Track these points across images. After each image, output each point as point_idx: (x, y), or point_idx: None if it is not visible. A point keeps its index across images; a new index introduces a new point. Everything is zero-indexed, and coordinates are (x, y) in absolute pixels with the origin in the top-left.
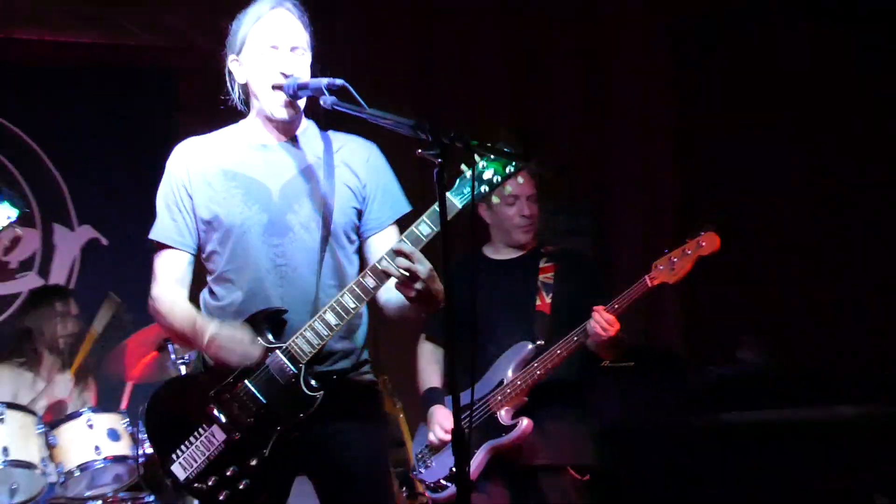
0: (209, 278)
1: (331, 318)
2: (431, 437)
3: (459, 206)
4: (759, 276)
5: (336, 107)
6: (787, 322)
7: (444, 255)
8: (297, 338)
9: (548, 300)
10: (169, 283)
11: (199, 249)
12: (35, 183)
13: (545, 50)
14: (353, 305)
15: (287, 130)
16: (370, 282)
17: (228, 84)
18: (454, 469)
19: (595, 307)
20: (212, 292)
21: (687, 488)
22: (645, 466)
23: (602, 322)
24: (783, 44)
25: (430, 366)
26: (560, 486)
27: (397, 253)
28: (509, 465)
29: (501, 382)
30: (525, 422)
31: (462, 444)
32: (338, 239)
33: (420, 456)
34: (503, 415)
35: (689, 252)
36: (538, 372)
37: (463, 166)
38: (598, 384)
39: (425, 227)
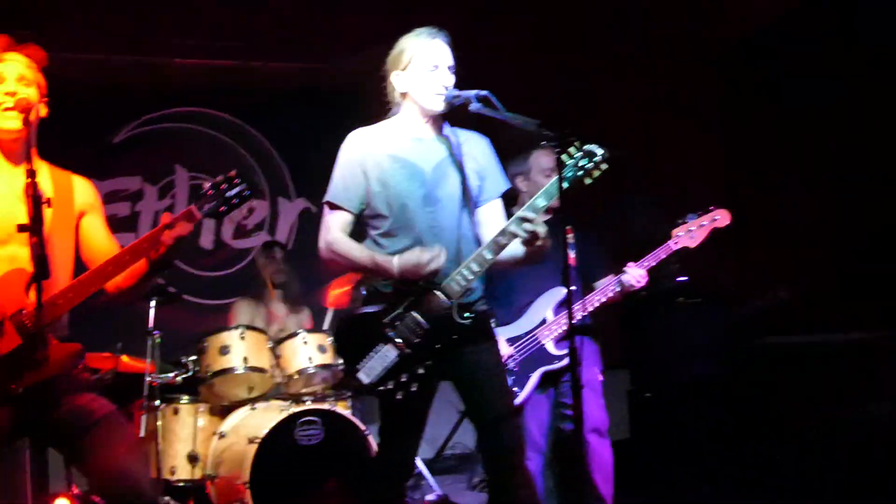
0: (374, 233)
1: (474, 266)
2: None
3: (555, 192)
4: (792, 232)
5: (481, 112)
6: (811, 266)
7: (563, 222)
8: (450, 280)
9: (572, 255)
10: (339, 233)
11: (362, 212)
12: (264, 167)
13: (619, 65)
14: (489, 257)
15: (437, 127)
16: (502, 240)
17: (389, 91)
18: (514, 388)
19: (628, 263)
20: (377, 243)
21: (733, 396)
22: (703, 375)
23: (635, 276)
24: (816, 61)
25: None
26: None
27: (523, 219)
28: (550, 383)
29: (544, 321)
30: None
31: (577, 385)
32: (468, 208)
33: None
34: (551, 346)
35: (704, 223)
36: (579, 314)
37: (563, 156)
38: (671, 314)
39: (541, 200)
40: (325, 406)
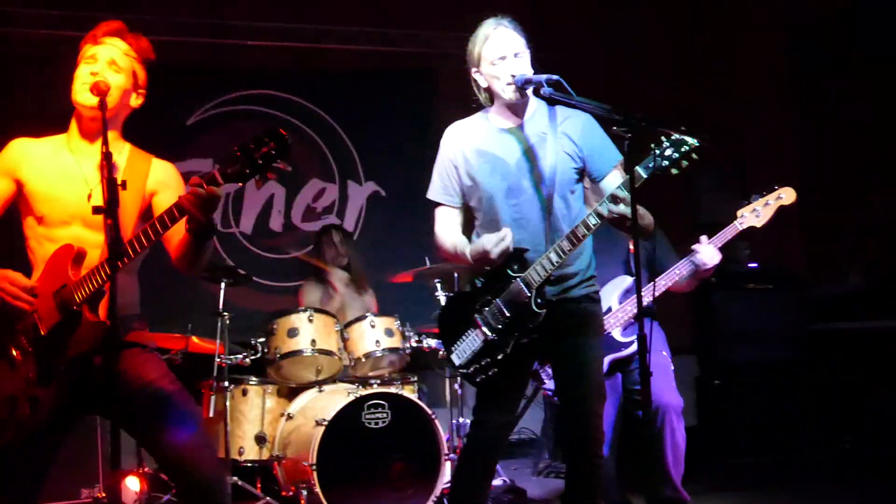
0: (476, 225)
1: (553, 256)
2: None
3: (645, 176)
4: (864, 215)
5: (552, 96)
6: (883, 251)
7: (633, 210)
8: (531, 270)
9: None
10: (443, 229)
11: (465, 206)
12: (335, 151)
13: (698, 53)
14: (567, 247)
15: (521, 114)
16: (580, 231)
17: (475, 89)
18: None
19: (700, 240)
20: (478, 235)
21: (803, 382)
22: (773, 360)
23: (708, 254)
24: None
25: None
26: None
27: (614, 199)
28: (617, 369)
29: (609, 309)
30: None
31: (645, 371)
32: (558, 195)
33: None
34: (617, 333)
35: (770, 202)
36: (647, 300)
37: (652, 145)
38: (741, 299)
39: (621, 191)
40: (392, 389)
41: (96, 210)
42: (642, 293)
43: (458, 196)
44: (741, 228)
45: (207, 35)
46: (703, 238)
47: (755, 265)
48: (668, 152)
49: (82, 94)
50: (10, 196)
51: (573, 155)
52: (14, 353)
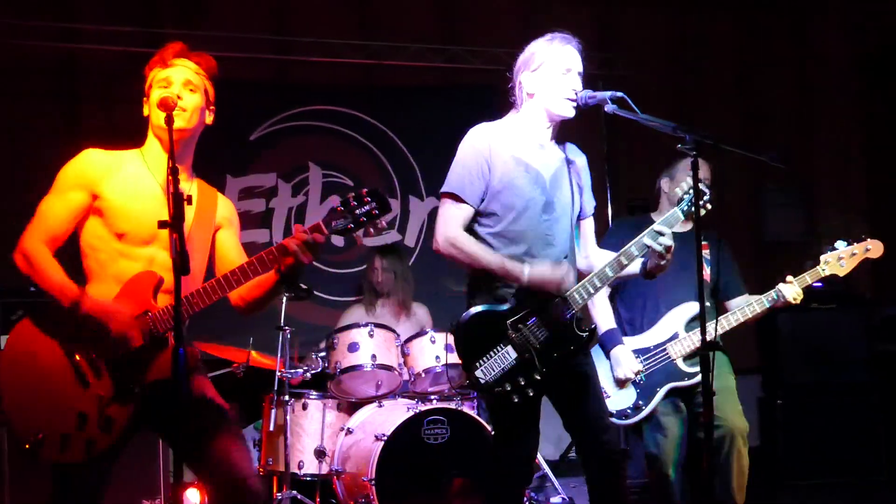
0: (483, 231)
1: (596, 281)
2: (619, 373)
3: (682, 217)
4: None
5: (616, 112)
6: None
7: (697, 236)
8: (574, 292)
9: (707, 270)
10: (461, 230)
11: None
12: (397, 167)
13: (766, 70)
14: (611, 274)
15: (556, 134)
16: (624, 260)
17: (517, 89)
18: (639, 403)
19: (786, 279)
20: (487, 243)
21: (868, 403)
22: (837, 381)
23: (793, 292)
24: None
25: (602, 310)
26: None
27: (658, 233)
28: (678, 396)
29: (675, 335)
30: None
31: (708, 392)
32: (573, 221)
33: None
34: (681, 361)
35: (857, 252)
36: (724, 328)
37: (678, 190)
38: (805, 319)
39: (673, 218)
40: (452, 405)
41: (162, 224)
42: (710, 325)
43: (480, 197)
44: (823, 275)
45: (271, 51)
46: (790, 278)
47: (820, 284)
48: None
49: (163, 118)
50: (84, 209)
51: (581, 187)
52: (87, 371)
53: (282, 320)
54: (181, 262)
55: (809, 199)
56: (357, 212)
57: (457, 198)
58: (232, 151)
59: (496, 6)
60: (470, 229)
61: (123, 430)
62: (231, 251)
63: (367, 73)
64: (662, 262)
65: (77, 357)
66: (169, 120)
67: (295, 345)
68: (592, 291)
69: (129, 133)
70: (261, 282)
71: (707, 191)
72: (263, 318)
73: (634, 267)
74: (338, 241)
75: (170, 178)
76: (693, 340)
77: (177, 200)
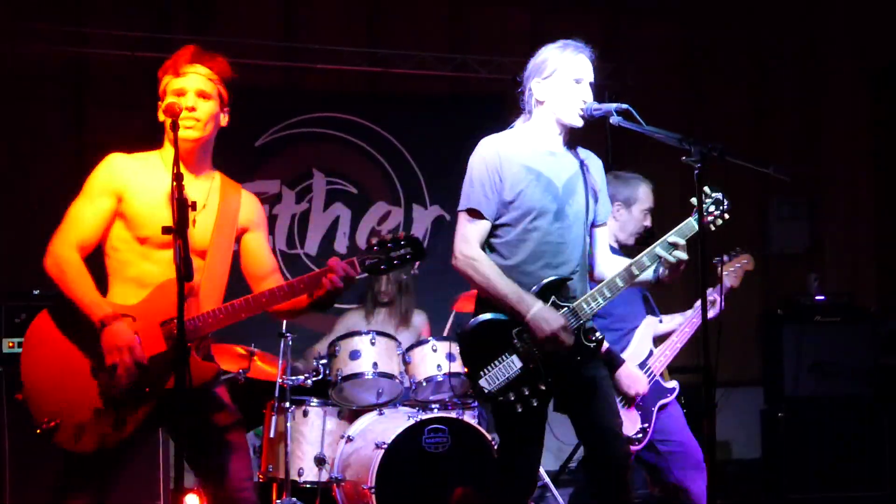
0: (494, 241)
1: (606, 291)
2: (633, 389)
3: (696, 228)
4: None
5: (622, 124)
6: None
7: (701, 246)
8: (581, 302)
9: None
10: (480, 249)
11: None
12: (400, 174)
13: (775, 83)
14: (621, 285)
15: (567, 141)
16: (635, 270)
17: (526, 96)
18: (644, 426)
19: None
20: (498, 252)
21: (871, 416)
22: (840, 395)
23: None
24: None
25: None
26: None
27: (672, 244)
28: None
29: (651, 353)
30: (675, 384)
31: (711, 405)
32: (586, 228)
33: None
34: (662, 378)
35: (738, 265)
36: (679, 345)
37: (693, 200)
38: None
39: (676, 237)
40: (453, 414)
41: (166, 230)
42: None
43: (496, 210)
44: (728, 286)
45: (279, 58)
46: (710, 290)
47: (823, 298)
48: (710, 208)
49: (183, 130)
50: (113, 214)
51: (596, 193)
52: (103, 370)
53: (283, 327)
54: (185, 269)
55: (816, 211)
56: (392, 254)
57: (475, 214)
58: (238, 157)
59: (505, 15)
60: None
61: (136, 428)
62: (260, 255)
63: (374, 81)
64: (675, 274)
65: (95, 355)
66: (174, 126)
67: (296, 351)
68: (602, 302)
69: (137, 138)
70: (293, 302)
71: (725, 201)
72: (264, 324)
73: (647, 275)
74: (340, 247)
75: (174, 183)
76: (667, 356)
77: (181, 207)
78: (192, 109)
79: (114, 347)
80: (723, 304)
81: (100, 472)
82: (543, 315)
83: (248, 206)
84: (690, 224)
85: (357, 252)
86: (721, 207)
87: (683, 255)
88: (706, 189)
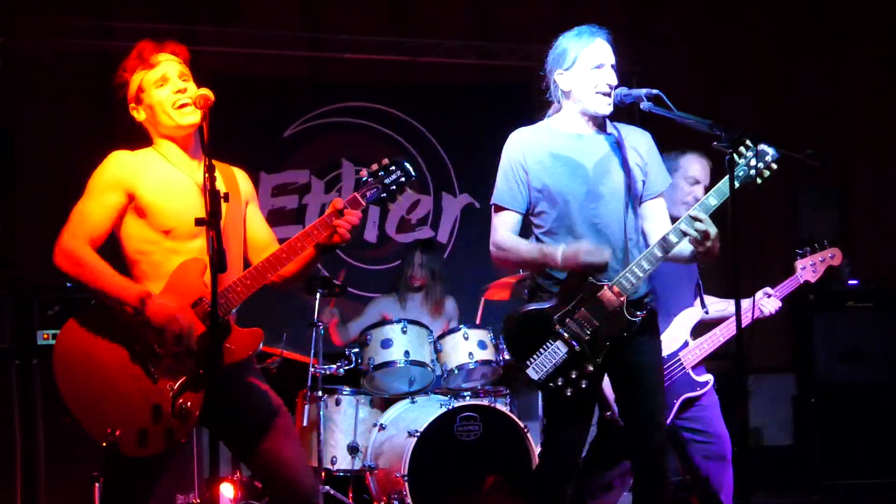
0: (537, 231)
1: (645, 264)
2: None
3: (727, 192)
4: None
5: (652, 110)
6: None
7: (733, 223)
8: (621, 277)
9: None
10: (507, 234)
11: (528, 210)
12: (430, 163)
13: (802, 69)
14: (660, 255)
15: (597, 124)
16: (673, 238)
17: (551, 88)
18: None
19: (765, 289)
20: (540, 240)
21: None
22: (872, 381)
23: (773, 307)
24: None
25: None
26: None
27: (694, 218)
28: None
29: (686, 344)
30: (712, 378)
31: (743, 391)
32: (633, 203)
33: None
34: (692, 372)
35: (822, 259)
36: (722, 339)
37: (734, 156)
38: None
39: (713, 199)
40: (485, 402)
41: (199, 222)
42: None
43: (525, 202)
44: (800, 282)
45: (305, 48)
46: (768, 289)
47: (856, 283)
48: (752, 161)
49: (185, 116)
50: (121, 210)
51: (642, 168)
52: (152, 363)
53: (315, 316)
54: (218, 260)
55: (845, 197)
56: (386, 181)
57: (500, 207)
58: (266, 148)
59: (532, 1)
60: (528, 233)
61: (197, 417)
62: (262, 226)
63: (402, 70)
64: (702, 249)
65: (138, 350)
66: (205, 117)
67: (329, 341)
68: (641, 275)
69: None
70: (298, 259)
71: (771, 150)
72: (297, 314)
73: (683, 250)
74: (370, 236)
75: (206, 174)
76: (703, 349)
77: (213, 198)
78: (184, 91)
79: (164, 317)
80: (780, 301)
81: (161, 470)
82: (573, 247)
83: (245, 181)
84: (706, 203)
85: (385, 241)
86: (765, 158)
87: (705, 227)
88: (746, 143)
